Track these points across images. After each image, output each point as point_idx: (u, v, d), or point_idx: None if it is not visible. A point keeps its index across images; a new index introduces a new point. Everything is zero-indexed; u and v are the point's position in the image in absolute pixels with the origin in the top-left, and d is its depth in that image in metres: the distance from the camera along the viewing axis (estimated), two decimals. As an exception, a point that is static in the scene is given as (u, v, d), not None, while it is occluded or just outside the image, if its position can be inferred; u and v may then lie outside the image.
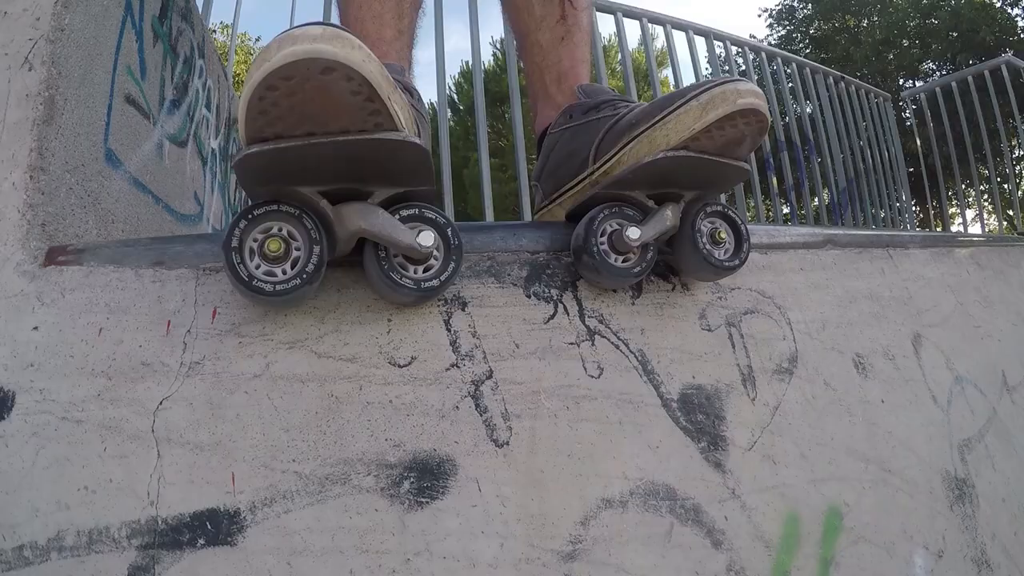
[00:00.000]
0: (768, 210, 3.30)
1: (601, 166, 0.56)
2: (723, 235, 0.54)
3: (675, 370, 0.55)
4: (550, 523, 0.49)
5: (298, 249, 0.46)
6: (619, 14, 2.17)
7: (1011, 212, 4.21)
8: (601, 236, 0.51)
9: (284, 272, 0.46)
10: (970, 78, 3.49)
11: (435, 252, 0.47)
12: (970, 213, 6.09)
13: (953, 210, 6.74)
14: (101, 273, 0.54)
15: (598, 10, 2.13)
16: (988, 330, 1.02)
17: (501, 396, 0.49)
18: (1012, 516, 0.86)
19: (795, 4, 11.45)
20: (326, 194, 0.46)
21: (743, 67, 2.90)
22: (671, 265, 0.59)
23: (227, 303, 0.51)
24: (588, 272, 0.52)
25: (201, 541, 0.47)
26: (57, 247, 0.56)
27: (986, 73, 3.39)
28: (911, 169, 4.46)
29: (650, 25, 2.37)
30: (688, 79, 2.91)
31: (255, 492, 0.47)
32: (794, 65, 3.15)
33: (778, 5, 11.44)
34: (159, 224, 0.69)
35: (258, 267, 0.46)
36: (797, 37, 11.46)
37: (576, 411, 0.51)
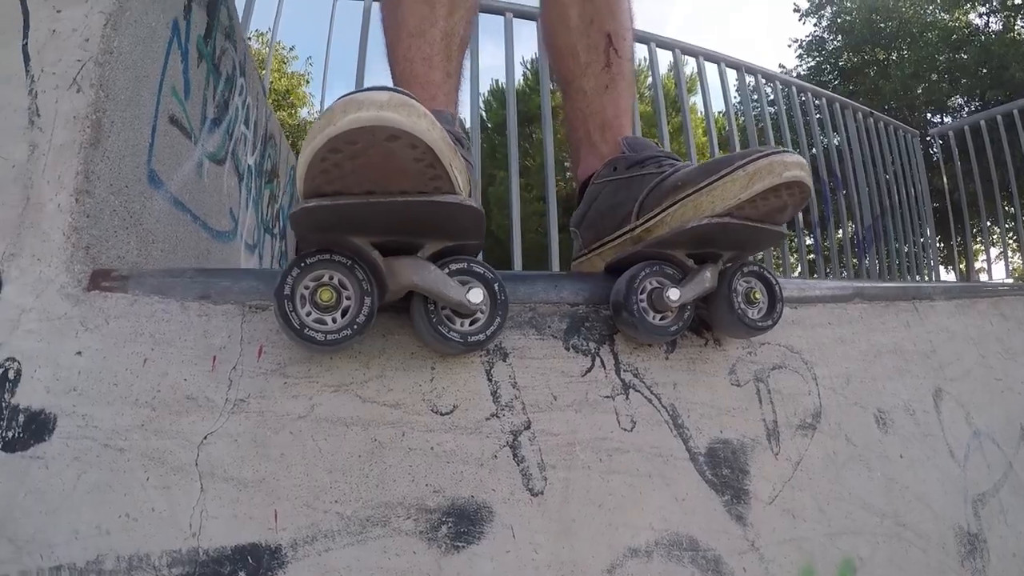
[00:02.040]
0: (791, 240, 3.36)
1: (644, 223, 0.60)
2: (758, 295, 0.59)
3: (704, 424, 0.60)
4: (579, 570, 0.53)
5: (348, 298, 0.51)
6: (652, 44, 2.23)
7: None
8: (641, 294, 0.55)
9: (334, 321, 0.50)
10: (999, 117, 3.56)
11: (482, 307, 0.52)
12: (994, 251, 6.21)
13: (977, 246, 6.85)
14: (146, 303, 0.58)
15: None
16: (1009, 383, 1.07)
17: (538, 447, 0.54)
18: (1021, 571, 0.92)
19: (825, 36, 11.65)
20: (378, 245, 0.51)
21: (771, 96, 2.96)
22: (704, 320, 0.63)
23: (273, 342, 0.55)
24: (626, 327, 0.57)
25: (242, 574, 0.51)
26: (101, 271, 0.60)
27: (1015, 112, 3.47)
28: (936, 204, 4.55)
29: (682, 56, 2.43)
30: (718, 105, 2.96)
31: (297, 530, 0.51)
32: (823, 99, 3.21)
33: (808, 36, 11.67)
34: (196, 242, 0.73)
35: (309, 315, 0.50)
36: (826, 68, 11.66)
37: (608, 463, 0.55)
